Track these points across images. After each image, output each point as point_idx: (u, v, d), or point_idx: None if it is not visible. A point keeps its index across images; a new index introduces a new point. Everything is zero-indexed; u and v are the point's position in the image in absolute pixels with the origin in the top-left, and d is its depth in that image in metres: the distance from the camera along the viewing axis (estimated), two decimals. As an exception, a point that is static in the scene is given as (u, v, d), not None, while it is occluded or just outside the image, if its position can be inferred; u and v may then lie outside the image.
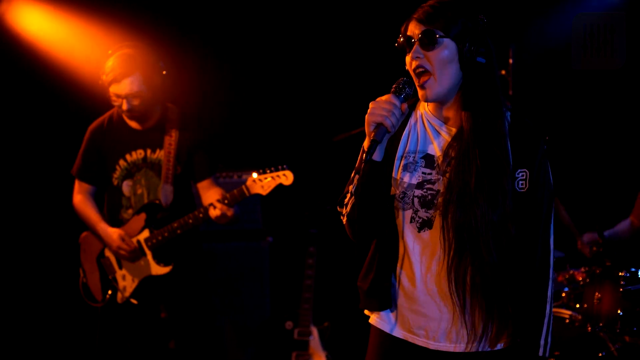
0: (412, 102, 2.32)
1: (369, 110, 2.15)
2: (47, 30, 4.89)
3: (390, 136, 2.19)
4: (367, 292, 2.33)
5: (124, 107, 3.65)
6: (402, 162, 2.25)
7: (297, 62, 5.45)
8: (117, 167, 3.79)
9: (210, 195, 3.76)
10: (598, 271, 3.89)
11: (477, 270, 2.16)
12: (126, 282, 3.78)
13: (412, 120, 2.30)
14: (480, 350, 2.22)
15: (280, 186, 3.68)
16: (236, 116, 5.48)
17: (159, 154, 3.76)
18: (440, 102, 2.24)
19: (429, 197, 2.21)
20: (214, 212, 3.64)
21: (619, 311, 3.75)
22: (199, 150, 3.80)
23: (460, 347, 2.24)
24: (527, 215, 2.19)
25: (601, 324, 3.79)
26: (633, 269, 3.80)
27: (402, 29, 2.23)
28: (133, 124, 3.79)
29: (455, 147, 2.20)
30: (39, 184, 5.19)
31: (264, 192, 3.67)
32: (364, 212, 2.21)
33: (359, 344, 2.82)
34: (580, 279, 4.03)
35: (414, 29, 2.19)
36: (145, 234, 3.75)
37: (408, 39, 2.20)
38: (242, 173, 4.90)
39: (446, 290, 2.20)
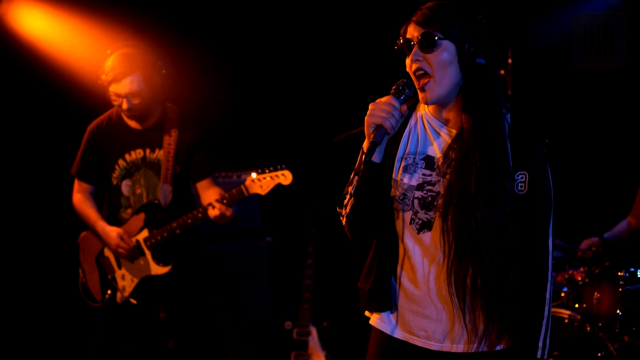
0: (412, 104, 2.32)
1: (368, 112, 2.15)
2: (47, 30, 4.88)
3: (389, 138, 2.18)
4: (369, 293, 2.33)
5: (124, 106, 3.65)
6: (402, 164, 2.25)
7: (297, 63, 5.45)
8: (117, 167, 3.79)
9: (209, 195, 3.75)
10: (597, 271, 3.88)
11: (477, 271, 2.16)
12: (125, 282, 3.78)
13: (412, 122, 2.30)
14: (479, 350, 2.22)
15: (279, 186, 3.68)
16: (236, 116, 5.48)
17: (158, 154, 3.76)
18: (440, 104, 2.24)
19: (429, 198, 2.21)
20: (212, 212, 3.64)
21: (618, 311, 3.74)
22: (198, 150, 3.80)
23: (460, 348, 2.24)
24: (526, 217, 2.19)
25: (600, 324, 3.79)
26: (632, 269, 3.79)
27: (401, 31, 2.23)
28: (132, 124, 3.79)
29: (455, 148, 2.20)
30: (38, 183, 5.19)
31: (262, 192, 3.67)
32: (363, 213, 2.21)
33: (358, 344, 2.83)
34: (580, 278, 4.03)
35: (412, 32, 2.19)
36: (145, 233, 3.75)
37: (407, 41, 2.20)
38: (241, 173, 4.89)
39: (446, 292, 2.20)
